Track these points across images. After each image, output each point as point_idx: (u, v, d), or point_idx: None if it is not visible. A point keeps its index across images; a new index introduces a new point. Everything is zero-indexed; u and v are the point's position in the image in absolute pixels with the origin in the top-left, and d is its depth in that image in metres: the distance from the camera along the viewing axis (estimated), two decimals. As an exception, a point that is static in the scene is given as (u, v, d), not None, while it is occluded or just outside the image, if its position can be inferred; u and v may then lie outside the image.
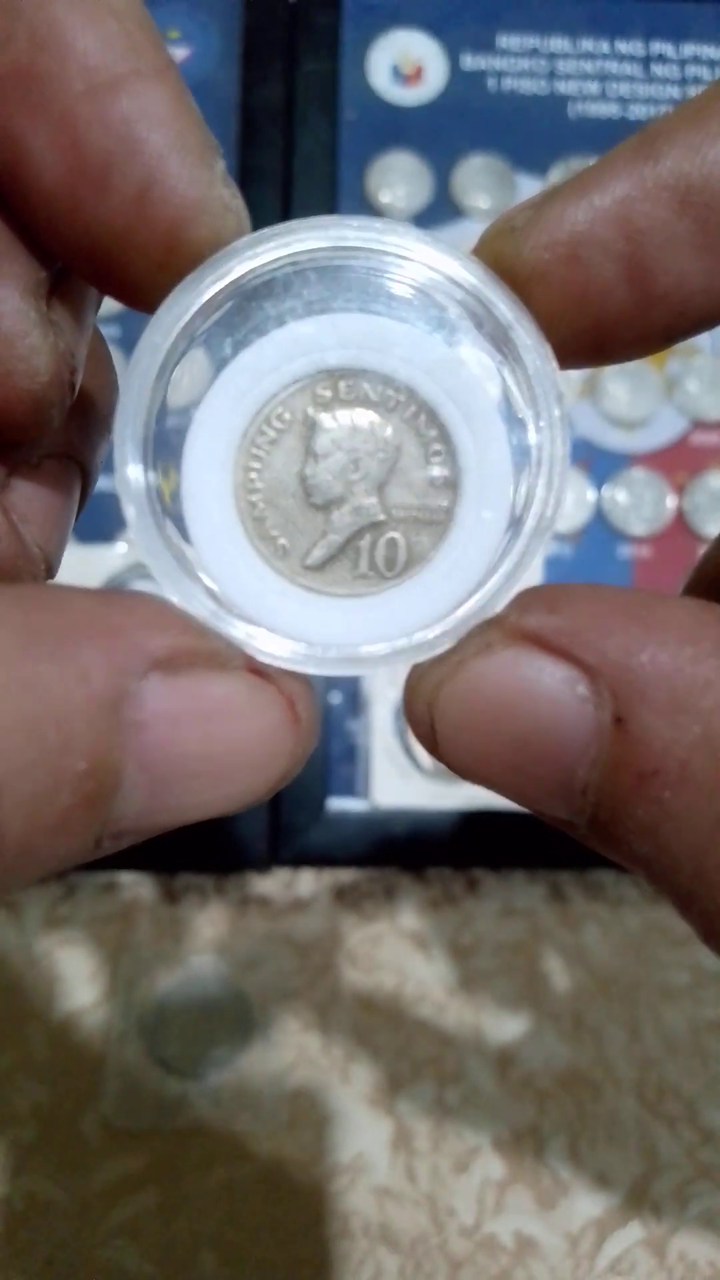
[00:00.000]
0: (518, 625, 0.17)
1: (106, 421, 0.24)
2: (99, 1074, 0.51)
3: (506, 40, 0.62)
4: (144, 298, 0.19)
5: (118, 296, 0.20)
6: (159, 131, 0.18)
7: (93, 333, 0.23)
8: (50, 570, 0.23)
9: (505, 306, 0.19)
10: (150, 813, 0.17)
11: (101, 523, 0.56)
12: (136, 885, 0.55)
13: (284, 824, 0.54)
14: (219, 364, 0.19)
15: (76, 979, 0.53)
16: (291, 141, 0.60)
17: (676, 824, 0.16)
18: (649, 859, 0.17)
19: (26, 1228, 0.47)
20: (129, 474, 0.19)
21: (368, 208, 0.60)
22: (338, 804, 0.55)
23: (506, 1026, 0.52)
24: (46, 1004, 0.52)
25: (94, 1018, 0.52)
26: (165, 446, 0.19)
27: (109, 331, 0.55)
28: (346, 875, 0.55)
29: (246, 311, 0.19)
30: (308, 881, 0.55)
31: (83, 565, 0.55)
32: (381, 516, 0.20)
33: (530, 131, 0.61)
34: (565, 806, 0.18)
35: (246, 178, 0.59)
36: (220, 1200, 0.48)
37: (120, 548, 0.56)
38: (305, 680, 0.19)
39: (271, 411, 0.20)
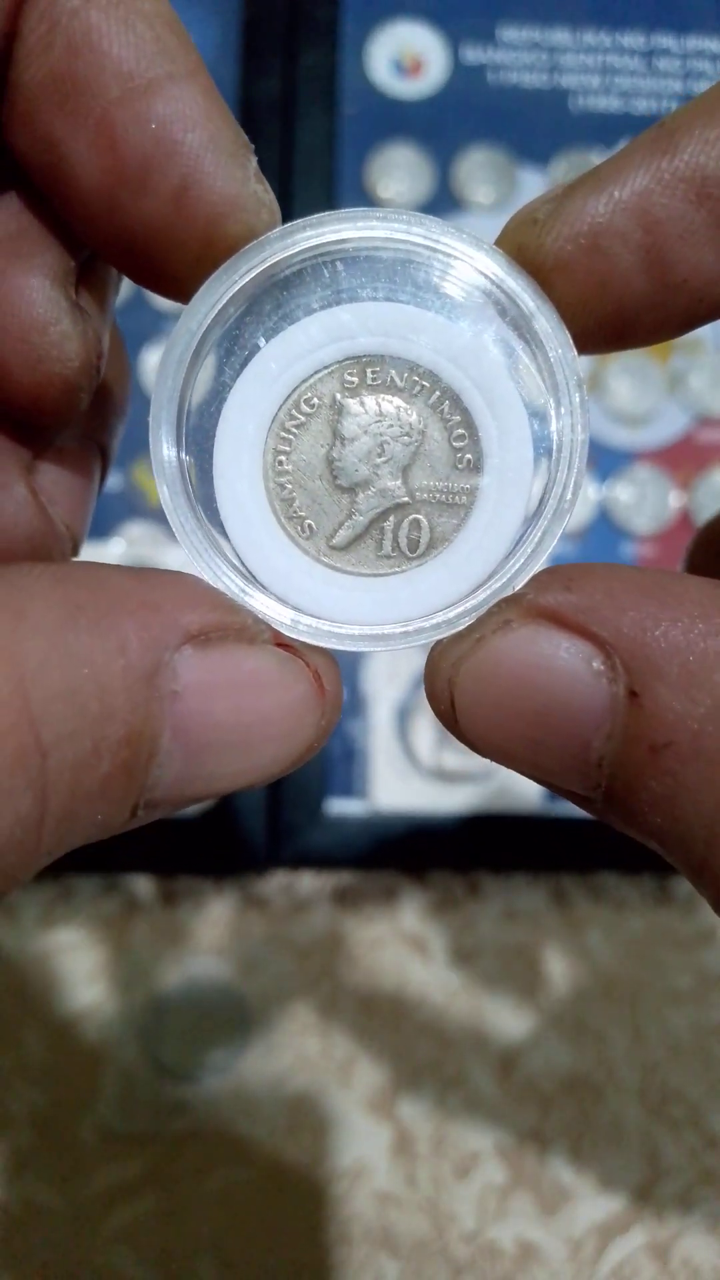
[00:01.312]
0: (535, 603, 0.18)
1: (123, 405, 0.25)
2: (96, 1078, 0.50)
3: (508, 33, 0.62)
4: (181, 289, 0.20)
5: (154, 288, 0.21)
6: (194, 132, 0.19)
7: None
8: (76, 548, 0.24)
9: (528, 296, 0.20)
10: (184, 781, 0.18)
11: (97, 519, 0.55)
12: (135, 886, 0.54)
13: (283, 825, 0.54)
14: (251, 350, 0.20)
15: (74, 981, 0.52)
16: (291, 135, 0.59)
17: (689, 795, 0.17)
18: (662, 830, 0.17)
19: (23, 1233, 0.47)
20: (163, 455, 0.20)
21: (368, 201, 0.59)
22: (337, 805, 0.54)
23: (508, 1030, 0.52)
24: (43, 1006, 0.51)
25: (91, 1021, 0.51)
26: (197, 429, 0.20)
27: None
28: (346, 877, 0.55)
29: (278, 300, 0.20)
30: (307, 883, 0.55)
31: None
32: (405, 499, 0.20)
33: (532, 125, 0.61)
34: (580, 780, 0.18)
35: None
36: (219, 1205, 0.48)
37: (116, 545, 0.56)
38: (330, 656, 0.20)
39: (301, 396, 0.20)
